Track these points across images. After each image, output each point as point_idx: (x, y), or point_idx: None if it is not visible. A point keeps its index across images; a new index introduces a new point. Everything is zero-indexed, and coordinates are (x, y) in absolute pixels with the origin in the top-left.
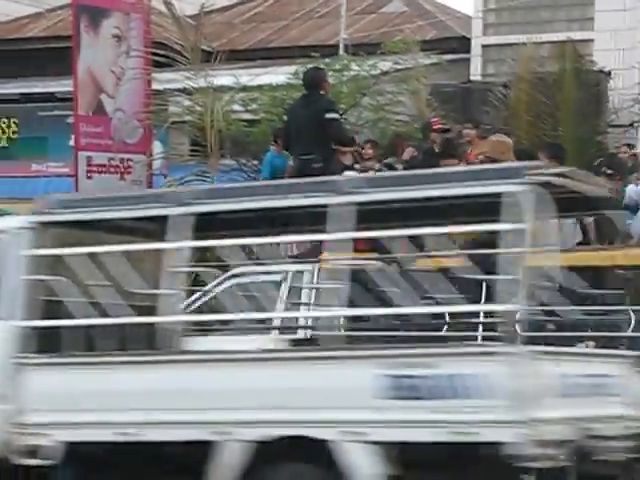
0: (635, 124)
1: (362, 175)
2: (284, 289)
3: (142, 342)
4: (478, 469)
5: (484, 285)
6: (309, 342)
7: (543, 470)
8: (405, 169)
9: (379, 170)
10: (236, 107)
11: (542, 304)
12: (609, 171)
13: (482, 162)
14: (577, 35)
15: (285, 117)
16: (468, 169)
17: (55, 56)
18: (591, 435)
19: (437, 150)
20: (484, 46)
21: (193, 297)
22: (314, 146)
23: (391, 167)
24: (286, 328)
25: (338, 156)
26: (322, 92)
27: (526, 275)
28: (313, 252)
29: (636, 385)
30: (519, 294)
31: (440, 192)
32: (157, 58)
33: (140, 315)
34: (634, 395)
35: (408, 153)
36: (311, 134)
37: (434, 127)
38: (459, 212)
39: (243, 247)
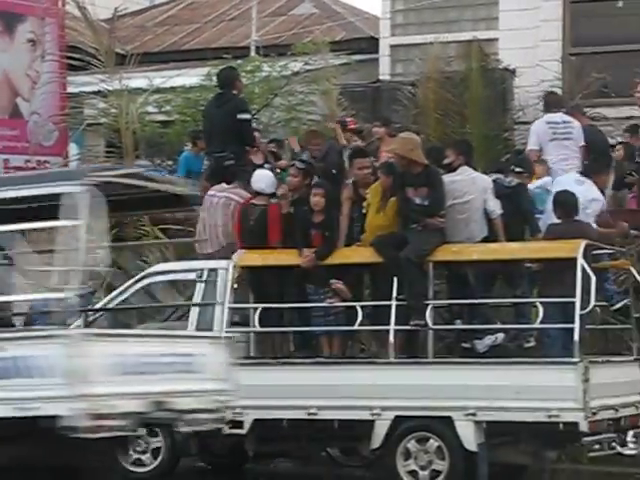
0: None
1: None
2: (199, 287)
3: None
4: (42, 440)
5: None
6: None
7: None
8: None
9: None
10: (150, 109)
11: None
12: (518, 169)
13: (392, 159)
14: (483, 34)
15: (200, 118)
16: (35, 173)
17: None
18: (166, 408)
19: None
20: (392, 46)
21: (109, 296)
22: (226, 144)
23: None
24: None
25: (249, 155)
26: (235, 91)
27: (81, 266)
28: (227, 250)
29: (219, 362)
30: (73, 283)
31: (6, 194)
32: (72, 62)
33: None
34: (216, 371)
35: (292, 142)
36: (224, 132)
37: (349, 127)
38: (30, 212)
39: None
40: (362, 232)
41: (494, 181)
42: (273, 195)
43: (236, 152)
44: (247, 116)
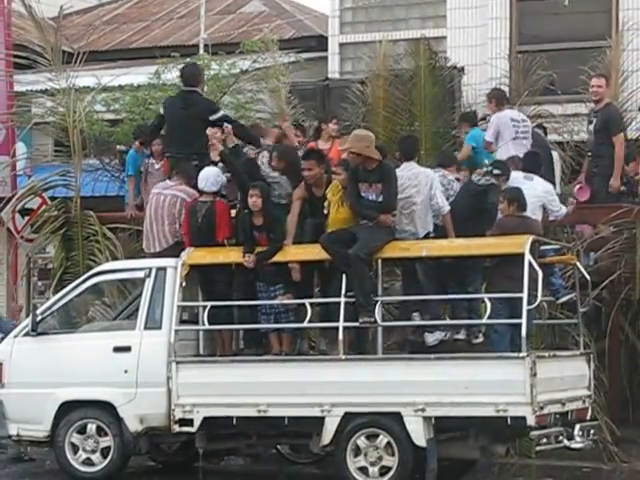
0: None
1: None
2: (148, 285)
3: None
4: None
5: None
6: None
7: None
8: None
9: None
10: (98, 107)
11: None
12: (496, 171)
13: (348, 158)
14: (431, 32)
15: (148, 116)
16: None
17: None
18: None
19: None
20: (341, 44)
21: (57, 295)
22: (190, 144)
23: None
24: None
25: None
26: (199, 91)
27: None
28: (175, 248)
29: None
30: None
31: None
32: (19, 60)
33: None
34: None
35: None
36: (190, 134)
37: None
38: None
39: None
40: (325, 230)
41: (470, 180)
42: (218, 192)
43: (199, 154)
44: (219, 115)
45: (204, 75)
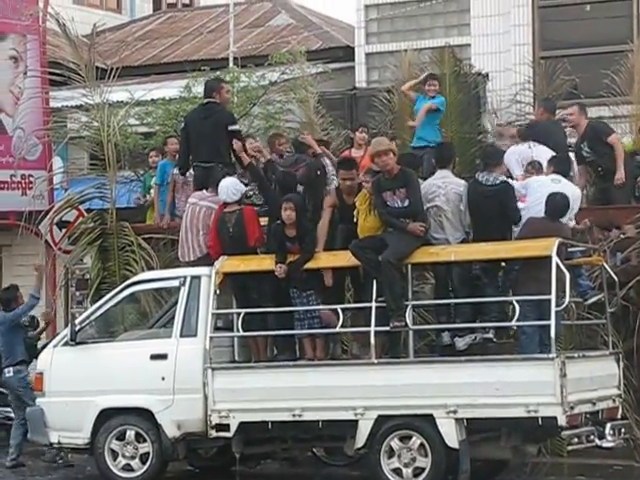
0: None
1: None
2: (183, 294)
3: None
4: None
5: None
6: None
7: None
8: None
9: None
10: (132, 121)
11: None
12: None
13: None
14: (455, 40)
15: (182, 127)
16: None
17: None
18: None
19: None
20: (368, 54)
21: (95, 305)
22: (215, 155)
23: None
24: None
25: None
26: (219, 101)
27: None
28: (208, 258)
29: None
30: None
31: None
32: (54, 77)
33: None
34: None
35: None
36: (213, 143)
37: (315, 138)
38: None
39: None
40: (356, 236)
41: (475, 181)
42: (241, 200)
43: (225, 163)
44: (237, 127)
45: (224, 89)
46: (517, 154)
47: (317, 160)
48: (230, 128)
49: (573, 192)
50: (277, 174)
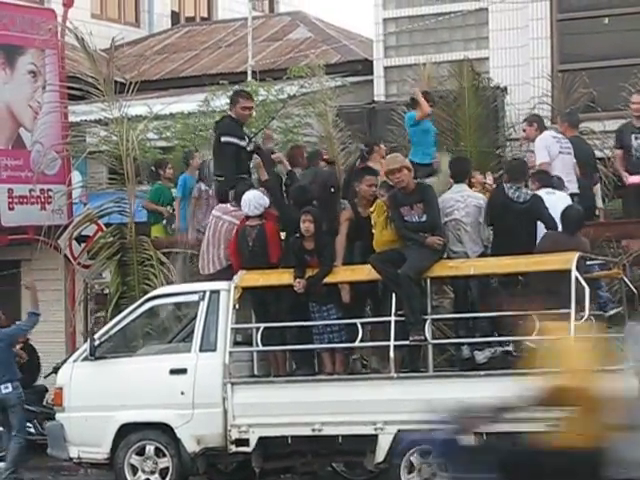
0: None
1: None
2: (202, 308)
3: None
4: None
5: None
6: None
7: None
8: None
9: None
10: (150, 135)
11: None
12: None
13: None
14: (474, 54)
15: (199, 142)
16: None
17: None
18: None
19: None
20: (386, 68)
21: (114, 320)
22: (217, 167)
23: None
24: None
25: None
26: (233, 115)
27: None
28: (227, 271)
29: None
30: None
31: None
32: (72, 91)
33: None
34: None
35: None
36: (215, 157)
37: (323, 157)
38: None
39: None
40: (373, 251)
41: (504, 196)
42: (263, 215)
43: (224, 175)
44: (229, 139)
45: (240, 104)
46: (547, 141)
47: (332, 175)
48: (223, 140)
49: (567, 203)
50: (291, 190)
